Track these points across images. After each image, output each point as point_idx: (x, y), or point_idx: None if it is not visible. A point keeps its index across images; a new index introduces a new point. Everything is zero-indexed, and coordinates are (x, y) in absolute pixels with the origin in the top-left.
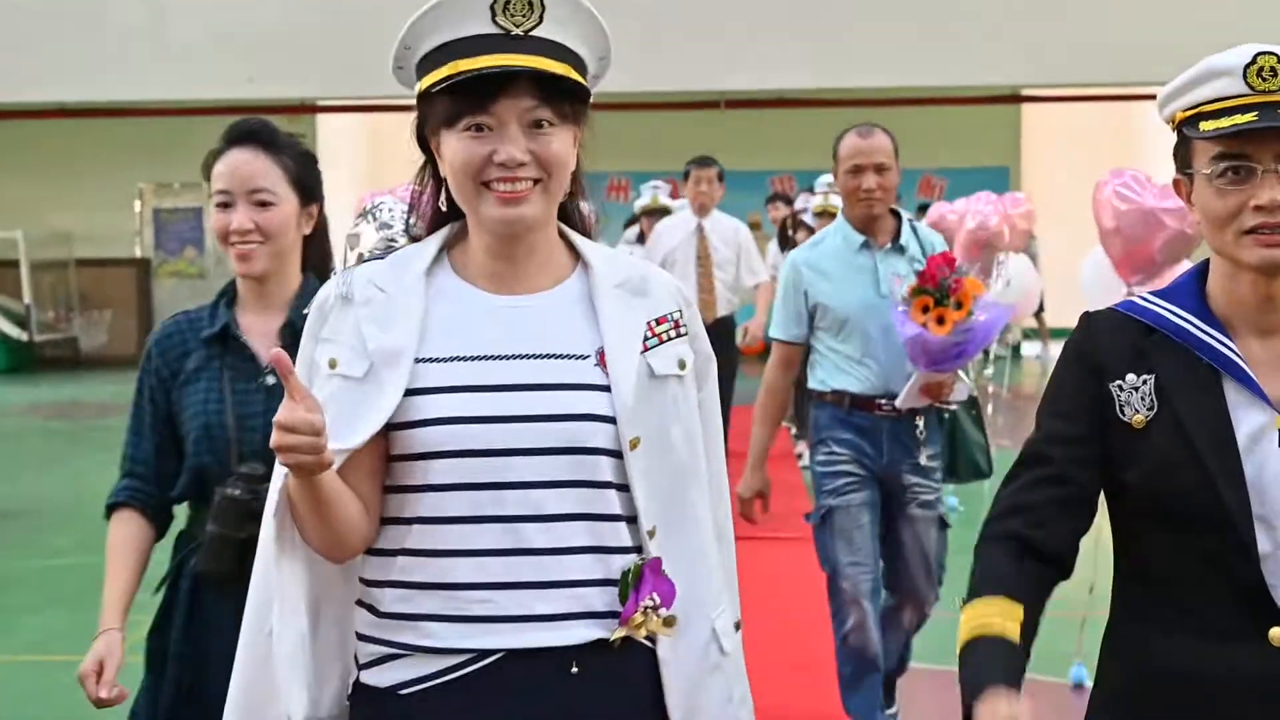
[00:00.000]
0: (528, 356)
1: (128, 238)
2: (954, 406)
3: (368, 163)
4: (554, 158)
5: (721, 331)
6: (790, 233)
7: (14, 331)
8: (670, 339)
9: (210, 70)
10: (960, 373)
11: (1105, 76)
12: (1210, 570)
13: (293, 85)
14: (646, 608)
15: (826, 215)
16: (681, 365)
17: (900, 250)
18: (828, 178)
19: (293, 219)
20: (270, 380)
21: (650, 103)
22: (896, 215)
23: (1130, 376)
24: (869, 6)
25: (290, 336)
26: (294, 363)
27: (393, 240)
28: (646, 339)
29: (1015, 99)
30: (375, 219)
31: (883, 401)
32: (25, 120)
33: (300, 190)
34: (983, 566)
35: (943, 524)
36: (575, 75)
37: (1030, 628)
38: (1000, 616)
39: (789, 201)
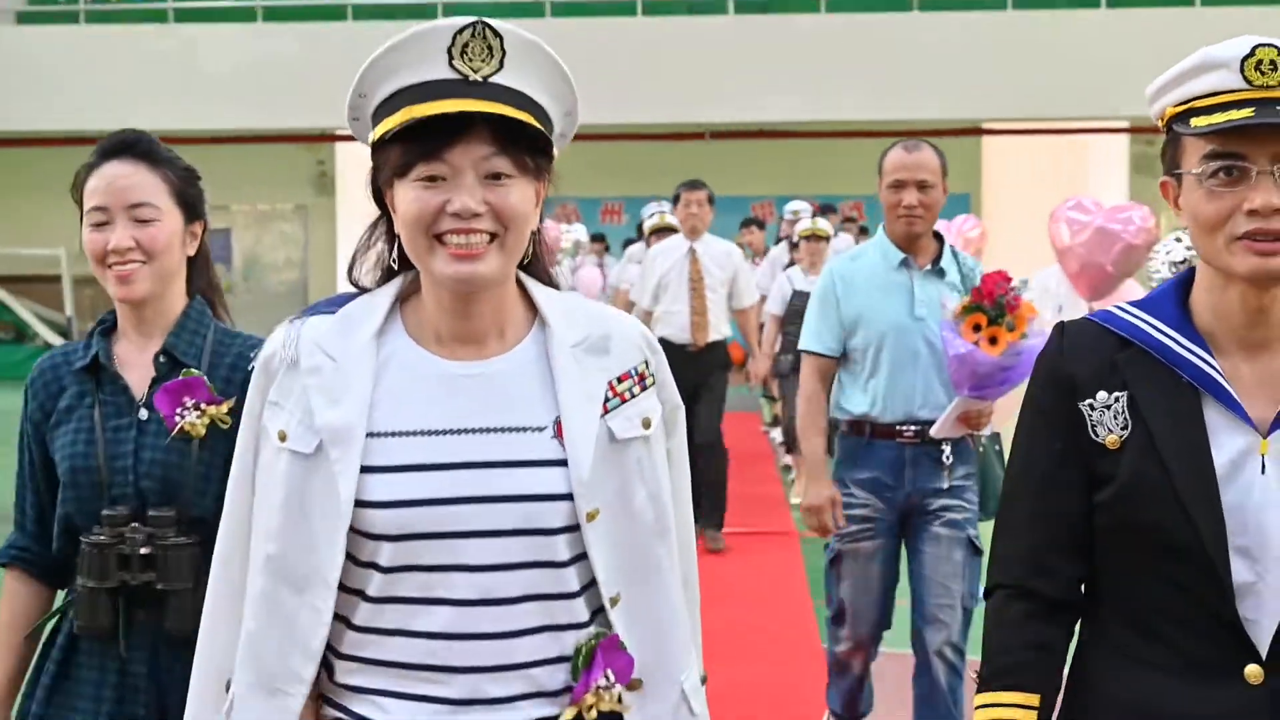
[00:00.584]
0: (481, 430)
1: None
2: (983, 439)
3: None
4: (511, 210)
5: (715, 354)
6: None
7: (57, 340)
8: (633, 396)
9: (234, 100)
10: None
11: (1056, 112)
12: (1184, 601)
13: (311, 115)
14: (599, 687)
15: (816, 238)
16: (646, 424)
17: (939, 273)
18: (795, 204)
19: (177, 237)
20: (144, 415)
21: (641, 134)
22: (939, 238)
23: (1101, 394)
24: (843, 47)
25: (168, 366)
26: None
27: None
28: (607, 400)
29: (976, 132)
30: None
31: (903, 428)
32: (65, 147)
33: (184, 206)
34: (997, 643)
35: (974, 550)
36: (535, 123)
37: (1048, 709)
38: (1016, 714)
39: (761, 225)
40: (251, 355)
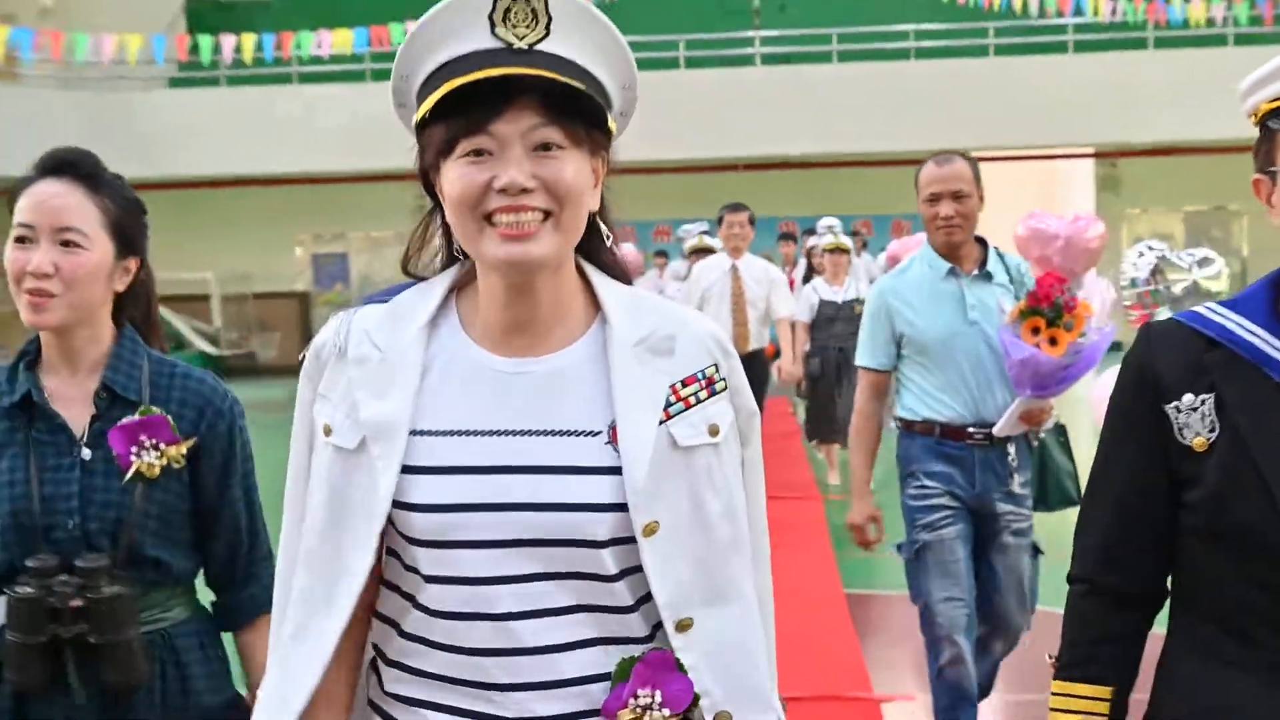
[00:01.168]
0: (530, 433)
1: (291, 276)
2: (1043, 433)
3: None
4: (564, 185)
5: (754, 363)
6: (814, 273)
7: (208, 347)
8: (699, 401)
9: (347, 148)
10: None
11: (1031, 140)
12: (1273, 603)
13: (407, 159)
14: (640, 706)
15: (838, 251)
16: (714, 431)
17: (987, 277)
18: (827, 220)
19: (104, 269)
20: (87, 455)
21: (686, 167)
22: (982, 243)
23: (1188, 397)
24: (851, 91)
25: (108, 402)
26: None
27: None
28: (669, 405)
29: (963, 158)
30: None
31: (973, 430)
32: (213, 189)
33: (118, 238)
34: (1071, 635)
35: (1035, 551)
36: (587, 90)
37: (1121, 705)
38: (1090, 711)
39: (794, 238)
40: (212, 396)
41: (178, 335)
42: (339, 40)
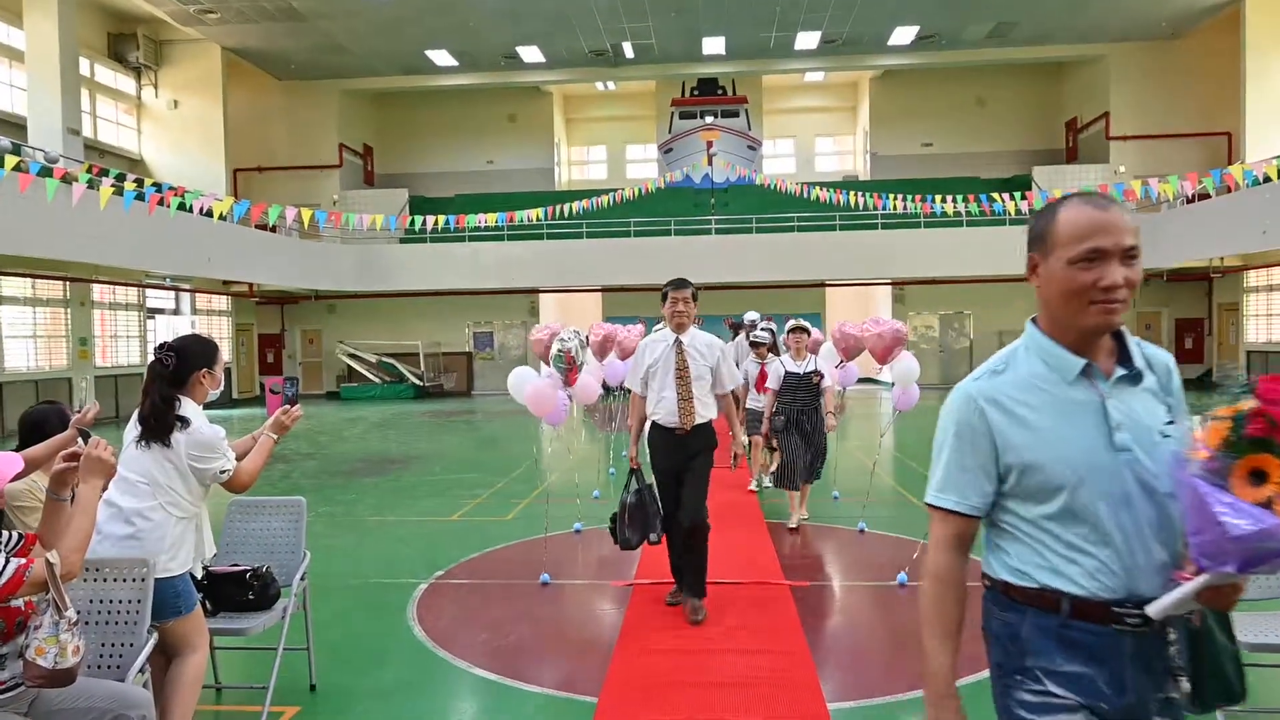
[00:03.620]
0: None
1: (462, 343)
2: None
3: (560, 314)
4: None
5: (700, 433)
6: (743, 335)
7: (417, 381)
8: None
9: (495, 275)
10: None
11: (855, 275)
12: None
13: (528, 280)
14: None
15: (799, 330)
16: None
17: (1135, 378)
18: (750, 314)
19: None
20: None
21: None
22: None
23: None
24: (762, 248)
25: None
26: None
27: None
28: None
29: (822, 285)
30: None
31: (1126, 610)
32: (420, 297)
33: None
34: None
35: None
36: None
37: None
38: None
39: (737, 325)
40: None
41: (401, 375)
42: (489, 219)
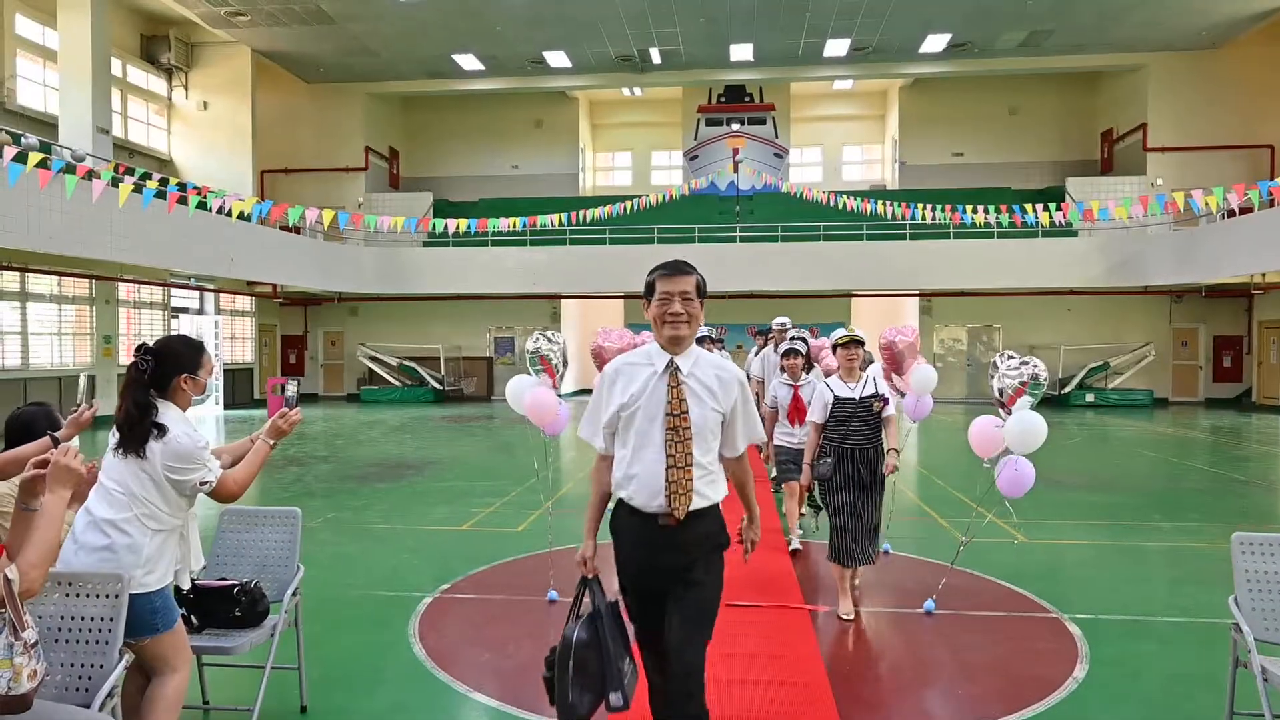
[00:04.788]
0: None
1: (483, 348)
2: None
3: (582, 320)
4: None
5: (703, 526)
6: (775, 347)
7: (437, 385)
8: None
9: (518, 279)
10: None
11: (884, 287)
12: None
13: (549, 287)
14: None
15: (853, 344)
16: None
17: None
18: (780, 319)
19: None
20: None
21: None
22: None
23: None
24: (788, 257)
25: None
26: None
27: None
28: None
29: (849, 295)
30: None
31: None
32: (443, 300)
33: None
34: None
35: None
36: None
37: None
38: None
39: (762, 333)
40: None
41: (422, 378)
42: (512, 223)
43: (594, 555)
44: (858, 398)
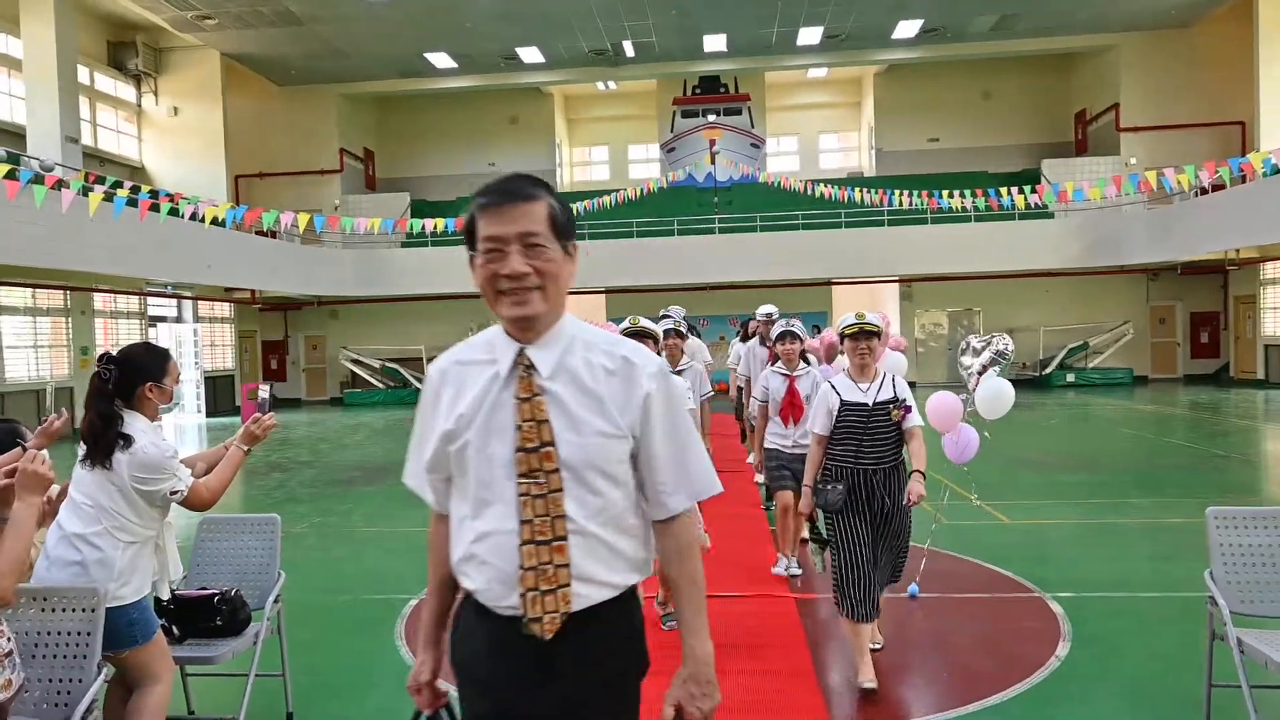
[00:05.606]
0: None
1: None
2: None
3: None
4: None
5: (599, 642)
6: (761, 340)
7: (421, 386)
8: None
9: None
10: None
11: (862, 273)
12: None
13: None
14: None
15: (864, 335)
16: None
17: None
18: (765, 308)
19: None
20: None
21: (679, 288)
22: None
23: None
24: (766, 246)
25: None
26: None
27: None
28: None
29: (829, 283)
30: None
31: None
32: (423, 301)
33: None
34: None
35: None
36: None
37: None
38: None
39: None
40: None
41: (405, 380)
42: None
43: (435, 677)
44: (871, 403)
